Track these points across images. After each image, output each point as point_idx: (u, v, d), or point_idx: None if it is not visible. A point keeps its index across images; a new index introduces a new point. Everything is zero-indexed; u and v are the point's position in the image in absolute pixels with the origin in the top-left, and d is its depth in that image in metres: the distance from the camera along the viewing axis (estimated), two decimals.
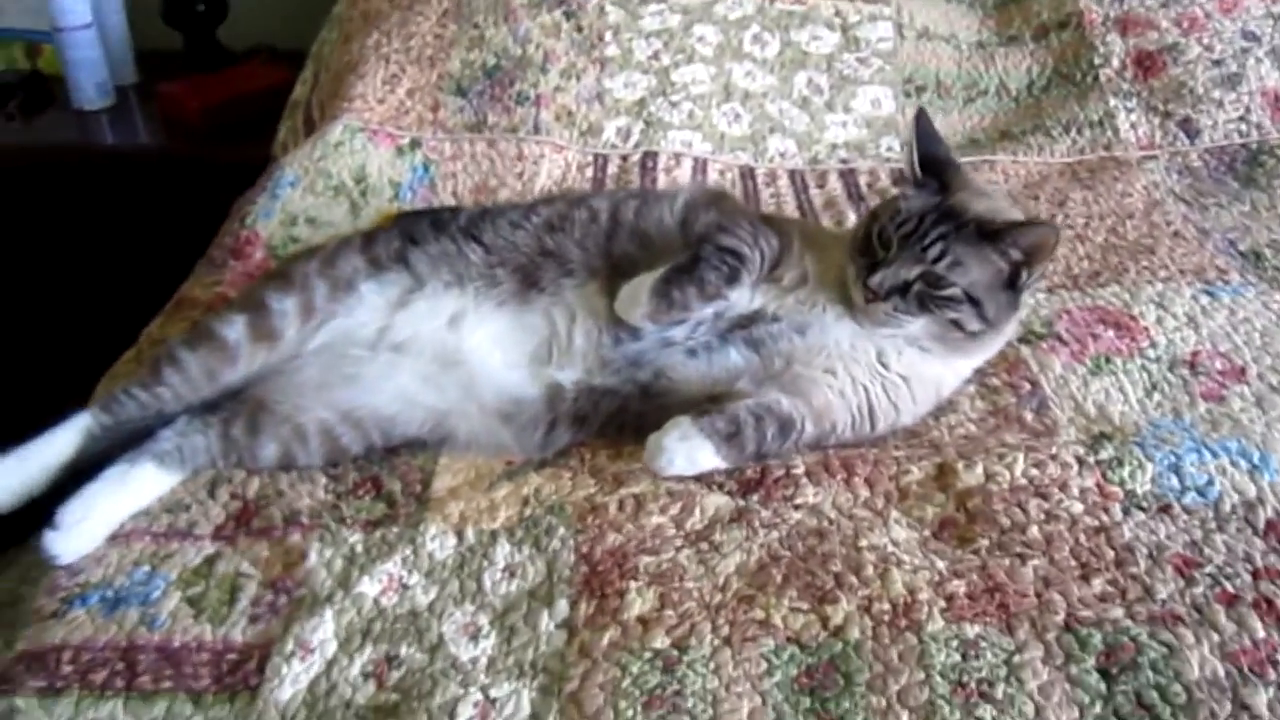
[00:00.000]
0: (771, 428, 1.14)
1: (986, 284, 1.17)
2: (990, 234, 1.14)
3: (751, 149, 2.00)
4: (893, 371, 1.21)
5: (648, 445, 1.09)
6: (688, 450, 1.09)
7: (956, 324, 1.16)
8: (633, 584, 1.09)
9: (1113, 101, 1.99)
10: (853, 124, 2.05)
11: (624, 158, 1.94)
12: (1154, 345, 1.43)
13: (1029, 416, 1.32)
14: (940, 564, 1.09)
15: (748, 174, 1.95)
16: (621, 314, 1.18)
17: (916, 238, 1.14)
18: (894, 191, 1.88)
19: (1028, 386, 1.37)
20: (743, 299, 1.22)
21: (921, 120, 1.26)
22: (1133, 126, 1.97)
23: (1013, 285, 1.18)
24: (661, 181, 1.87)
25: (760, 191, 1.90)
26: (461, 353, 1.26)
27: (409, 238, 1.40)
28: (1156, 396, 1.35)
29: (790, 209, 1.86)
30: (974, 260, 1.14)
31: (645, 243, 1.28)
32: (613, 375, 1.30)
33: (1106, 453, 1.22)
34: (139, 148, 2.62)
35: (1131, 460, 1.20)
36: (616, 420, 1.30)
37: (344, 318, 1.33)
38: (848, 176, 1.95)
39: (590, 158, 1.94)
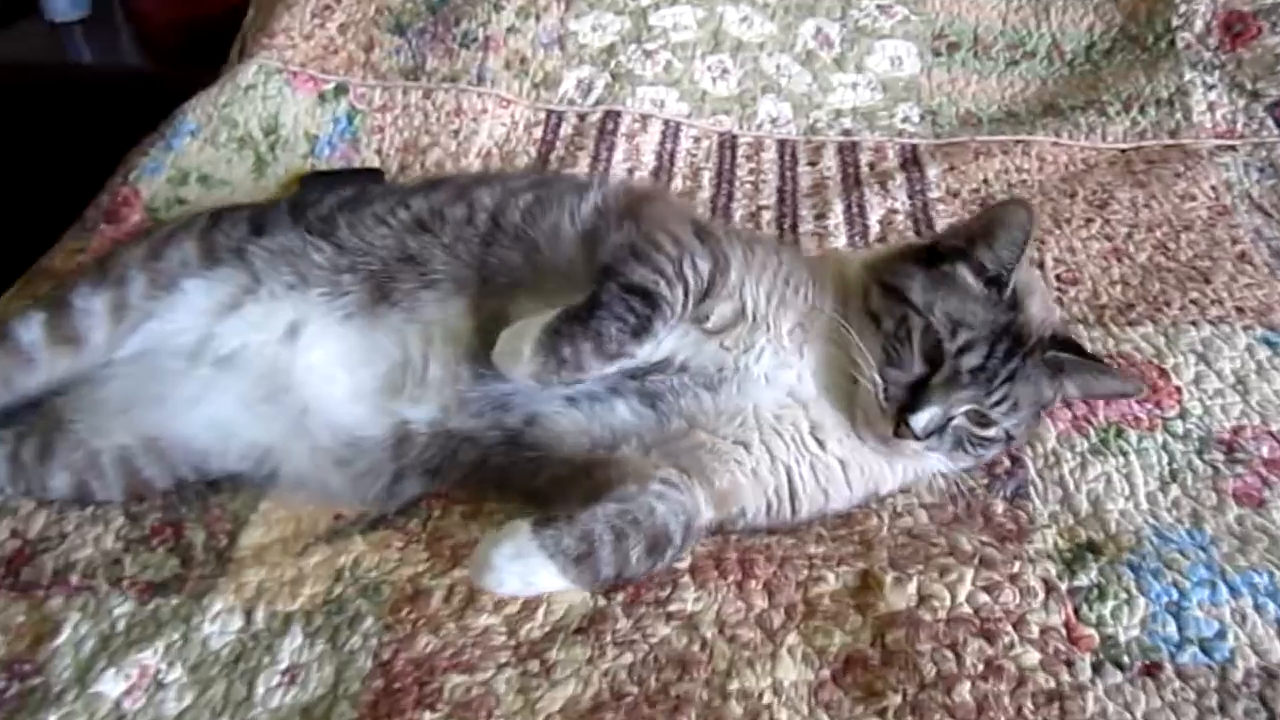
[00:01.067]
0: (637, 548, 0.88)
1: (1028, 418, 1.00)
2: (1058, 366, 0.99)
3: (737, 112, 1.68)
4: (829, 453, 0.99)
5: (475, 554, 0.87)
6: (523, 571, 0.85)
7: (971, 457, 1.01)
8: (428, 715, 0.84)
9: (1188, 74, 1.62)
10: (865, 86, 1.72)
11: (581, 117, 1.64)
12: (1184, 415, 1.11)
13: (999, 507, 1.03)
14: None
15: (728, 143, 1.64)
16: (501, 367, 0.94)
17: (982, 373, 0.94)
18: (898, 178, 1.55)
19: (1006, 463, 1.07)
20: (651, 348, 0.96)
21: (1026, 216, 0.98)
22: (1210, 108, 1.60)
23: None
24: (620, 152, 1.56)
25: (738, 167, 1.60)
26: (294, 374, 1.05)
27: (257, 225, 1.14)
28: (1174, 492, 1.04)
29: (769, 192, 1.54)
30: (1029, 394, 0.98)
31: (531, 256, 1.04)
32: (473, 418, 1.03)
33: (1087, 576, 0.93)
34: (110, 64, 2.43)
35: (1119, 591, 0.91)
36: (476, 474, 1.05)
37: (161, 320, 1.08)
38: (847, 153, 1.63)
39: (541, 115, 1.65)
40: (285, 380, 1.07)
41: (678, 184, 1.50)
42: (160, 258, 1.12)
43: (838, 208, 1.48)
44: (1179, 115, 1.56)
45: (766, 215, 1.45)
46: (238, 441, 1.07)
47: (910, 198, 1.49)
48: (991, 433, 0.97)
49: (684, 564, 0.96)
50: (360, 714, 0.86)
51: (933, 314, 0.94)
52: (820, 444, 1.00)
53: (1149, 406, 1.12)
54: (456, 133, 1.61)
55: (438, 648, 0.91)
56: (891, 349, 0.97)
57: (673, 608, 0.93)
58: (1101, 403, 1.12)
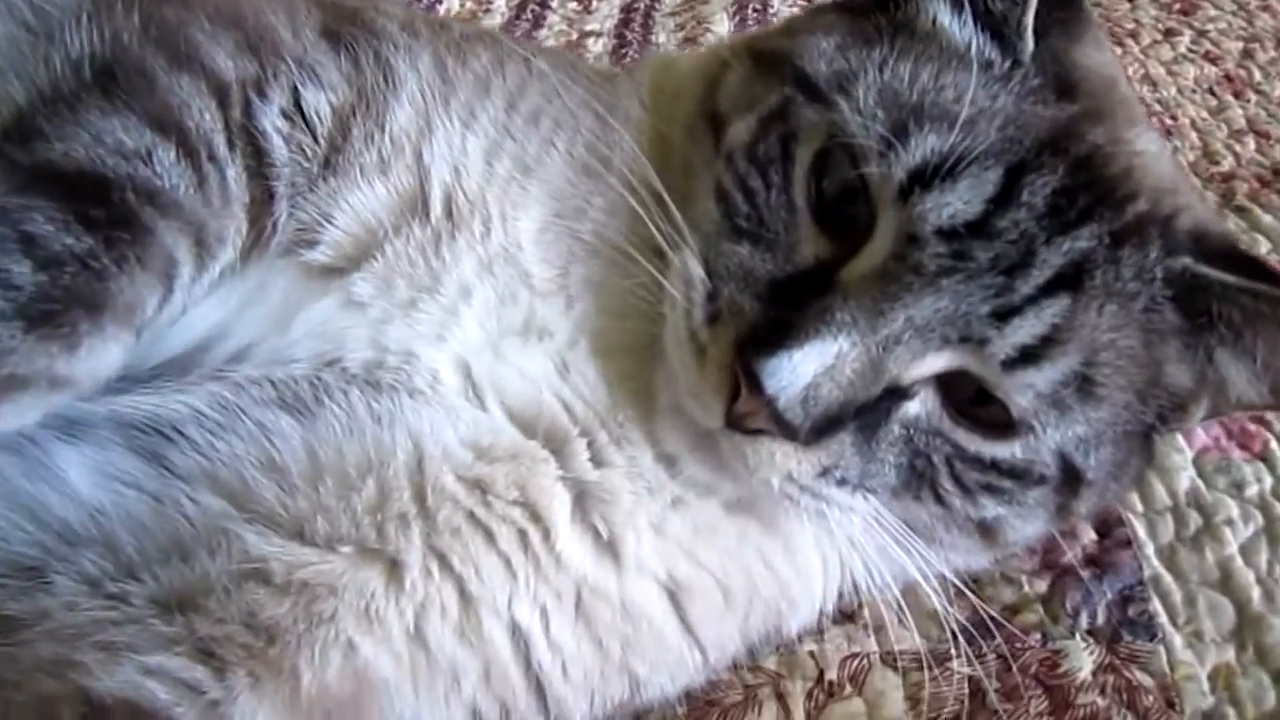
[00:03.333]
0: None
1: (1122, 423, 0.40)
2: (1211, 299, 0.39)
3: None
4: (629, 569, 0.40)
5: None
6: None
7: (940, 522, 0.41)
8: None
9: None
10: None
11: None
12: None
13: (1084, 661, 0.39)
14: None
15: None
16: None
17: (986, 246, 0.37)
18: None
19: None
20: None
21: None
22: None
23: None
24: None
25: None
26: None
27: None
28: None
29: None
30: (1128, 350, 0.38)
31: None
32: None
33: None
34: None
35: None
36: None
37: None
38: None
39: None
40: None
41: None
42: None
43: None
44: None
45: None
46: None
47: None
48: (1010, 450, 0.39)
49: None
50: None
51: (849, 97, 0.38)
52: (607, 549, 0.40)
53: None
54: None
55: None
56: (734, 192, 0.40)
57: None
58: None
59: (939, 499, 0.39)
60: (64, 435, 0.39)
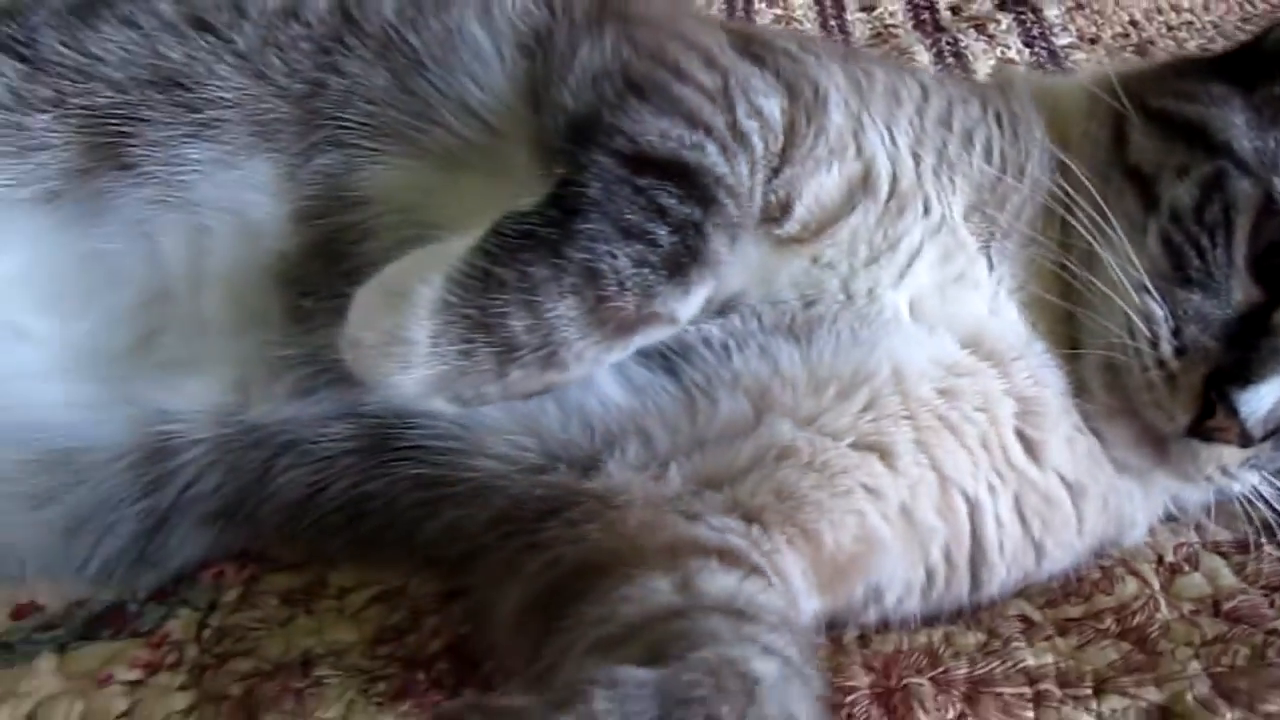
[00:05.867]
0: None
1: None
2: None
3: None
4: (1047, 468, 0.52)
5: None
6: None
7: None
8: None
9: None
10: None
11: None
12: None
13: None
14: None
15: None
16: (362, 373, 0.44)
17: None
18: (1002, 20, 1.03)
19: None
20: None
21: None
22: None
23: None
24: None
25: (756, 16, 1.10)
26: None
27: None
28: None
29: None
30: None
31: (408, 81, 0.56)
32: (296, 401, 0.52)
33: None
34: None
35: None
36: (307, 518, 0.53)
37: None
38: None
39: None
40: None
41: None
42: None
43: (922, 60, 0.94)
44: None
45: None
46: None
47: (1029, 44, 0.98)
48: None
49: None
50: None
51: (1277, 173, 0.50)
52: (1032, 450, 0.51)
53: None
54: None
55: None
56: (1186, 245, 0.50)
57: None
58: None
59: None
60: None
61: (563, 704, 0.32)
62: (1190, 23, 1.05)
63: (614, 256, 0.43)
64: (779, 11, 1.10)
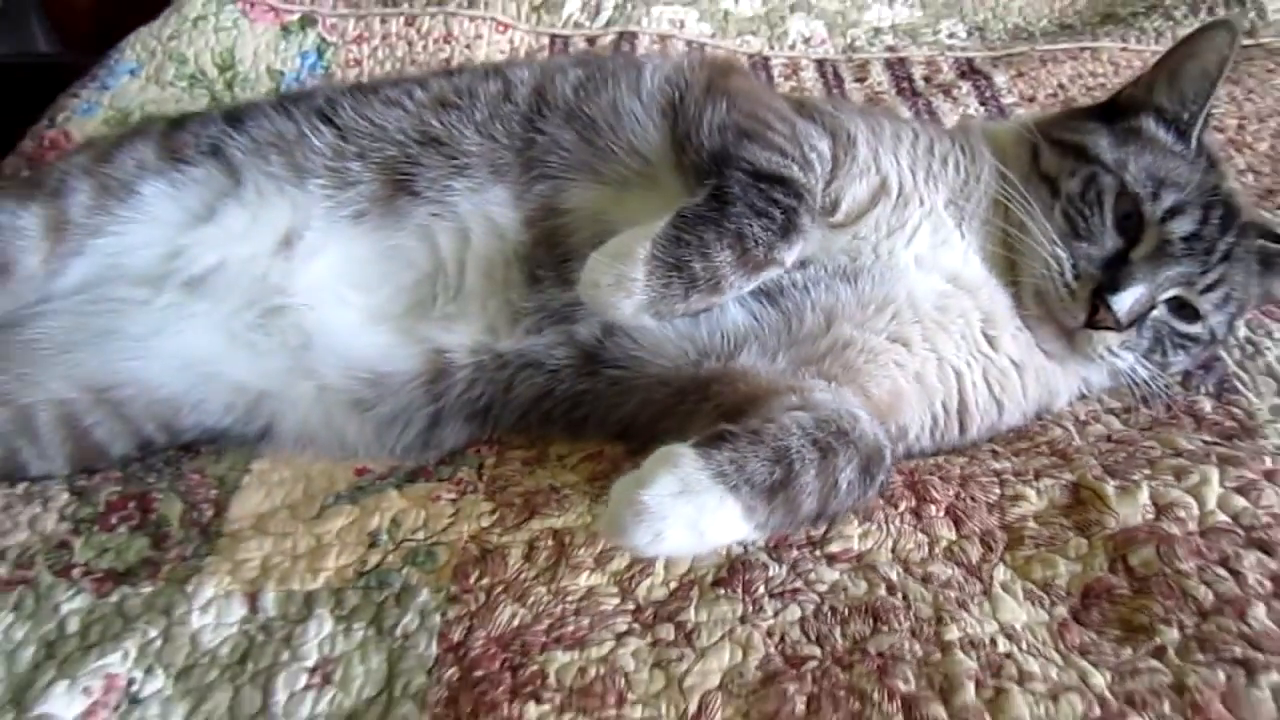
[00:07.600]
0: (848, 468, 0.65)
1: (1232, 317, 0.83)
2: (1267, 260, 0.83)
3: (765, 32, 1.47)
4: (1001, 353, 0.80)
5: (610, 504, 0.61)
6: (692, 515, 0.59)
7: (1160, 365, 0.81)
8: (533, 709, 0.59)
9: None
10: (903, 3, 1.54)
11: (590, 40, 1.41)
12: None
13: (1206, 405, 0.81)
14: (1099, 678, 0.59)
15: (759, 64, 1.43)
16: (597, 306, 0.69)
17: (1198, 243, 0.78)
18: (963, 86, 1.35)
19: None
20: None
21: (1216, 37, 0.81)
22: None
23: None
24: None
25: (776, 88, 1.37)
26: (292, 294, 0.83)
27: (233, 118, 0.89)
28: None
29: None
30: (1239, 284, 0.81)
31: (589, 136, 0.83)
32: (530, 336, 0.81)
33: None
34: (21, 53, 2.15)
35: None
36: (539, 411, 0.81)
37: (112, 237, 0.82)
38: (897, 68, 1.43)
39: (544, 40, 1.42)
40: (280, 303, 0.83)
41: None
42: (110, 160, 0.87)
43: (906, 115, 1.27)
44: (1253, 14, 1.39)
45: None
46: (219, 386, 0.82)
47: (983, 104, 1.31)
48: (1196, 329, 0.80)
49: None
50: (433, 716, 0.60)
51: (1126, 171, 0.78)
52: (992, 341, 0.79)
53: None
54: (447, 62, 1.36)
55: (527, 622, 0.65)
56: (1076, 216, 0.78)
57: (834, 548, 0.70)
58: None
59: (1162, 354, 0.80)
60: None
61: (755, 431, 0.63)
62: (1104, 84, 1.39)
63: (751, 226, 0.69)
64: (793, 84, 1.44)
